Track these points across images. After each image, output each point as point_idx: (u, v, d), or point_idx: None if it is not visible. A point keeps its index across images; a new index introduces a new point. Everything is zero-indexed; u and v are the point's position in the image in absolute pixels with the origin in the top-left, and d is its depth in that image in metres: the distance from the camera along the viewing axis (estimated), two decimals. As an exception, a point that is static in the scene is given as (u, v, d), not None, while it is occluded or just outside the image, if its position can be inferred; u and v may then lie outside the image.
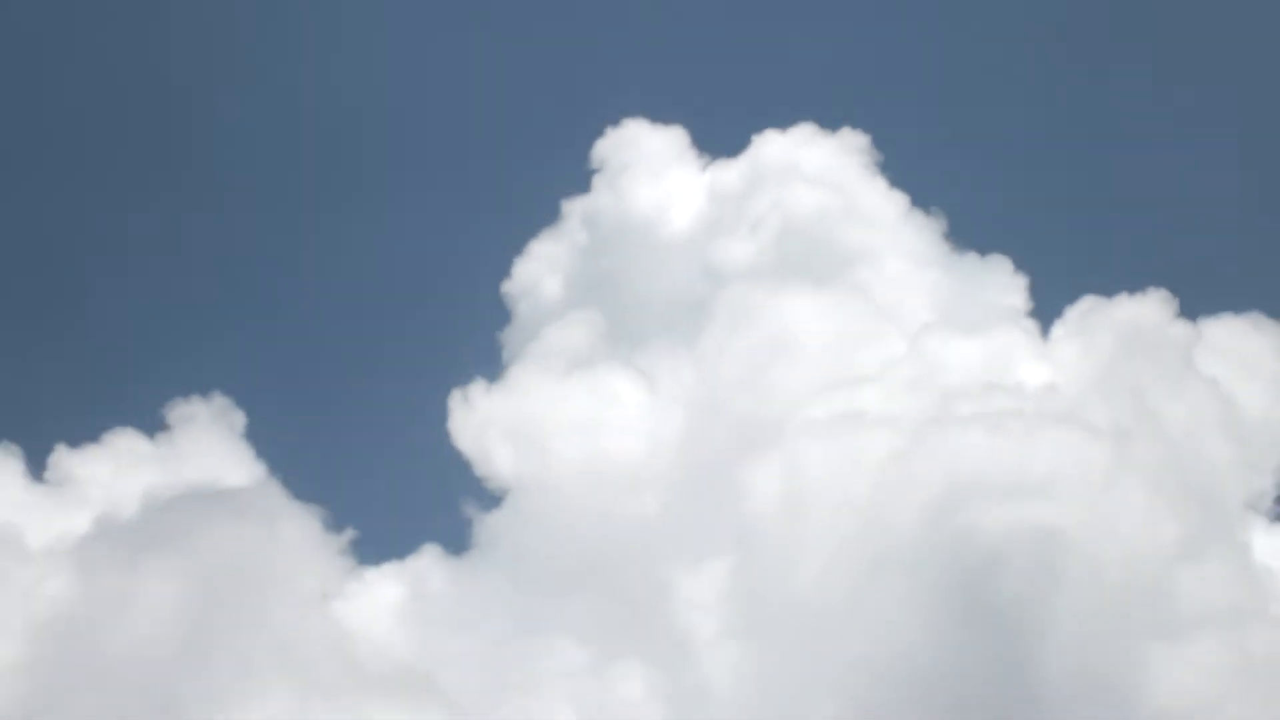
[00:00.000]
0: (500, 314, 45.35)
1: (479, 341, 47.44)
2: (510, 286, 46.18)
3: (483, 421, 41.78)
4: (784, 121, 46.49)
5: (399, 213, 56.10)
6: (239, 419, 43.35)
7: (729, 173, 46.30)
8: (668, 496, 39.04)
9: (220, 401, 43.79)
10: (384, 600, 39.71)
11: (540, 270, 45.89)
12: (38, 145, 60.22)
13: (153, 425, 44.06)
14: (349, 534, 40.66)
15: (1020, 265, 44.14)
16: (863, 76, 58.40)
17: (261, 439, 42.86)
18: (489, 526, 41.21)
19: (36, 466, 41.97)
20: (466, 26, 59.66)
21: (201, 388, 45.03)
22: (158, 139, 59.80)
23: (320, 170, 57.95)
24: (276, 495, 38.89)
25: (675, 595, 36.74)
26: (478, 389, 42.82)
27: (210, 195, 57.58)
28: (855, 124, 46.25)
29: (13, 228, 57.13)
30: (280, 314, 55.96)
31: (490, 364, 44.43)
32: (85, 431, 44.64)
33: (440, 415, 41.96)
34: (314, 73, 59.23)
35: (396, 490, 49.39)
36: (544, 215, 47.10)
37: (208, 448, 42.44)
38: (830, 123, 45.85)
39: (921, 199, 46.09)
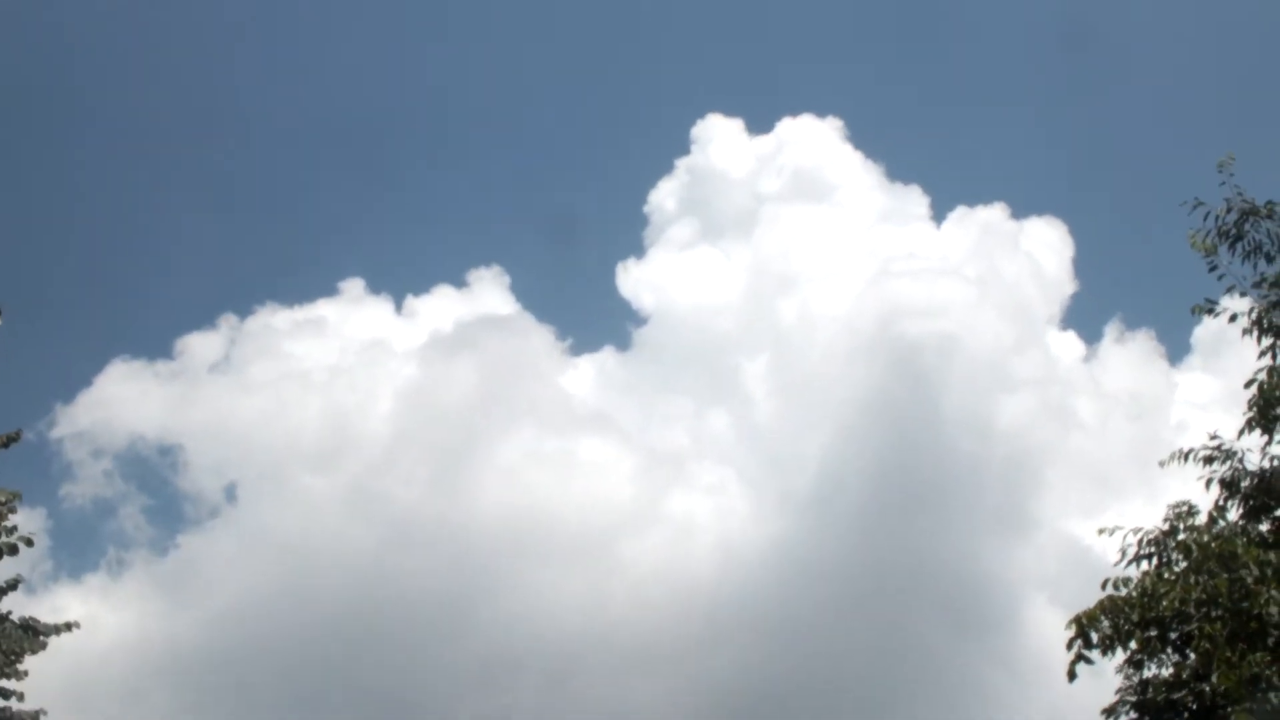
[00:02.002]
0: (642, 221, 66.61)
1: (631, 237, 74.85)
2: (648, 207, 65.92)
3: (635, 280, 63.99)
4: (795, 112, 70.57)
5: (592, 167, 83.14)
6: (506, 278, 66.11)
7: (767, 143, 65.07)
8: (738, 317, 60.50)
9: (496, 268, 66.77)
10: (585, 376, 62.83)
11: (663, 197, 65.66)
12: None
13: (460, 282, 69.57)
14: (568, 340, 69.14)
15: (925, 190, 66.39)
16: (839, 87, 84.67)
17: (519, 289, 69.85)
18: (640, 335, 63.58)
19: (398, 307, 65.55)
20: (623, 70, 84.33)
21: (486, 261, 72.02)
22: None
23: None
24: (528, 320, 63.48)
25: (743, 372, 58.68)
26: (631, 262, 65.52)
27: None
28: (835, 113, 69.54)
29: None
30: (530, 227, 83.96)
31: (638, 249, 70.85)
32: (423, 287, 73.78)
33: (612, 276, 65.42)
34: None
35: (590, 317, 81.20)
36: (664, 168, 72.12)
37: (489, 294, 64.81)
38: (821, 112, 68.05)
39: (872, 155, 71.47)
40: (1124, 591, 13.39)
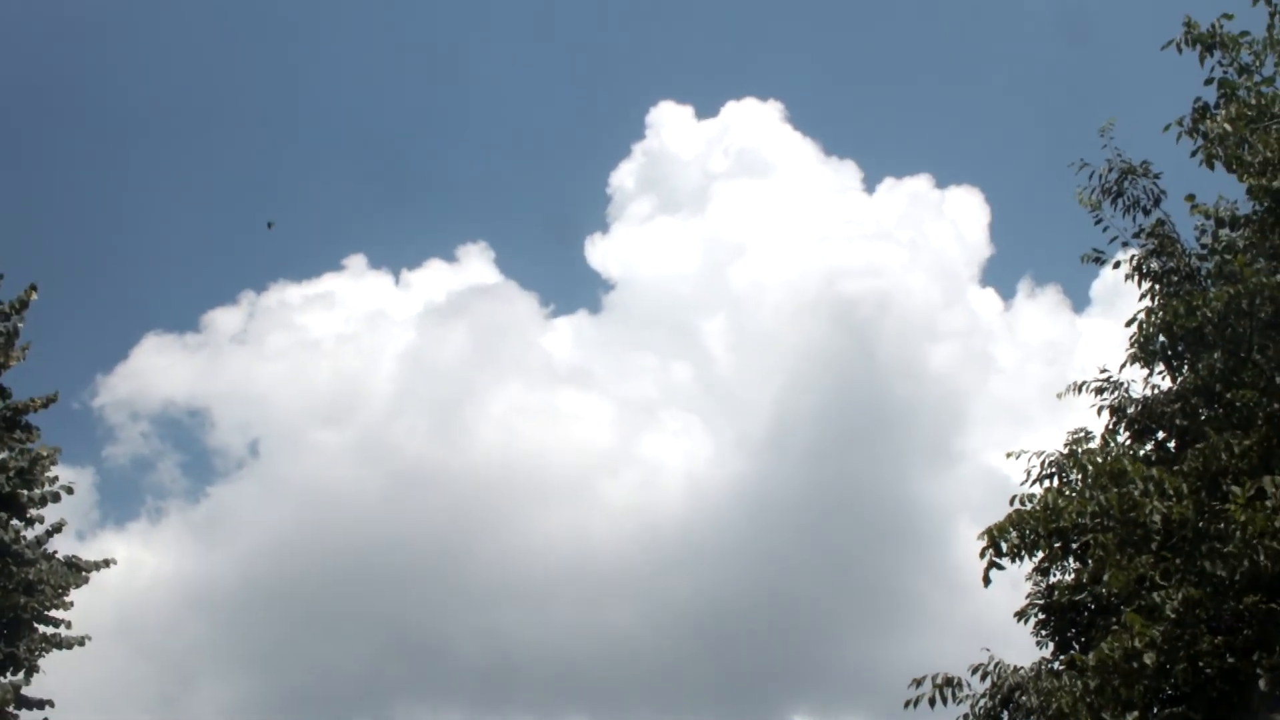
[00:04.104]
0: (605, 199, 72.48)
1: (597, 214, 79.35)
2: (610, 188, 71.21)
3: (603, 252, 68.50)
4: (737, 97, 75.84)
5: (560, 153, 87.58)
6: (491, 253, 71.34)
7: (714, 126, 70.01)
8: (695, 282, 64.69)
9: (482, 244, 71.74)
10: (563, 337, 67.24)
11: (624, 178, 70.51)
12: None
13: (451, 256, 76.17)
14: (551, 306, 71.91)
15: (859, 166, 71.48)
16: (777, 73, 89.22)
17: (502, 262, 74.81)
18: (610, 299, 68.04)
19: (396, 280, 70.22)
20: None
21: (472, 237, 74.84)
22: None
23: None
24: (512, 289, 68.43)
25: (701, 330, 63.35)
26: (597, 238, 70.80)
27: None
28: (775, 97, 73.98)
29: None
30: (508, 212, 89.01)
31: (604, 224, 73.07)
32: (418, 261, 76.62)
33: (582, 251, 70.74)
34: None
35: (566, 284, 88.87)
36: (622, 152, 77.96)
37: (477, 267, 69.17)
38: (763, 96, 73.56)
39: (809, 134, 75.84)
40: (1029, 506, 14.88)
